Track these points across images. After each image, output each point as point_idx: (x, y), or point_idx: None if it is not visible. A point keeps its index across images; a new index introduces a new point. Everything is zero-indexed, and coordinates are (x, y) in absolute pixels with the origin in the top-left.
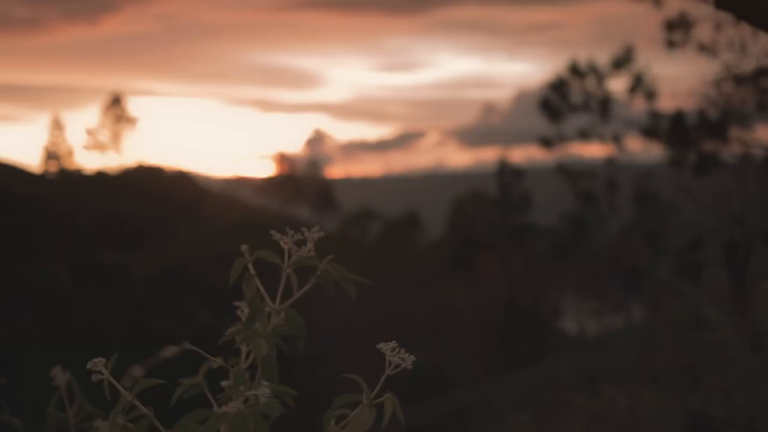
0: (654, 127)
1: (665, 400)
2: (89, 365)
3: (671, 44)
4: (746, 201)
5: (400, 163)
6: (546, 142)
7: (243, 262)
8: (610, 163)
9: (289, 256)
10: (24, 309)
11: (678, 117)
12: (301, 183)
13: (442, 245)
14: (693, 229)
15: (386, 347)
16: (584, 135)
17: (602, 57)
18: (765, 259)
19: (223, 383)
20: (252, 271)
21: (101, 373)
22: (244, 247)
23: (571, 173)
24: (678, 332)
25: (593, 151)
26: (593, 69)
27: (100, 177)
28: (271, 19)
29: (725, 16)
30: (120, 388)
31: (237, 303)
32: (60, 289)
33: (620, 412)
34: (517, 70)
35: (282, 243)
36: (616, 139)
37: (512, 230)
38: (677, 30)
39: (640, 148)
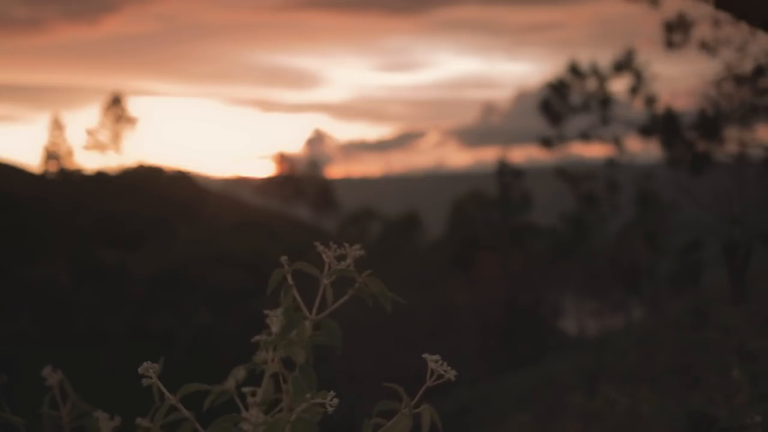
0: (651, 126)
1: (665, 400)
2: (140, 369)
3: (671, 45)
4: (746, 201)
5: (400, 163)
6: (546, 143)
7: (282, 273)
8: (610, 163)
9: (329, 269)
10: (24, 309)
11: (669, 116)
12: (301, 183)
13: (442, 245)
14: (693, 229)
15: (430, 358)
16: (584, 136)
17: (602, 57)
18: (765, 259)
19: (245, 389)
20: (291, 281)
21: (150, 377)
22: (283, 258)
23: (570, 176)
24: (678, 332)
25: (594, 151)
26: (594, 71)
27: (100, 177)
28: (271, 19)
29: (724, 16)
30: (165, 391)
31: (267, 311)
32: (60, 289)
33: (619, 412)
34: (517, 70)
35: (324, 256)
36: (617, 140)
37: (512, 230)
38: (677, 31)
39: (641, 149)
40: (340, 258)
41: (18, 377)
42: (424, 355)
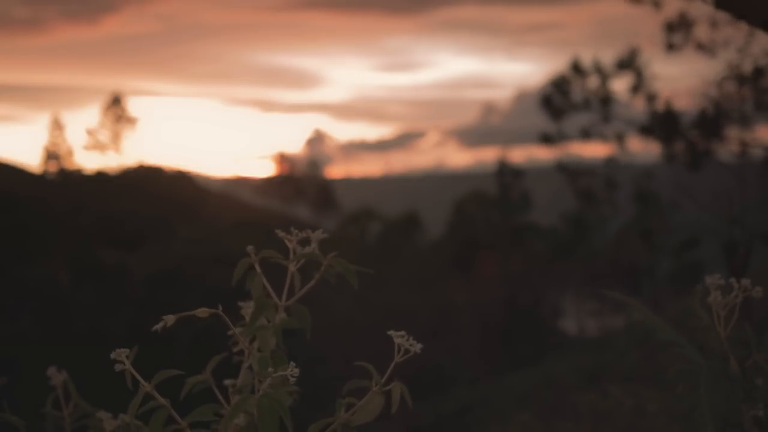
0: (651, 125)
1: (669, 399)
2: (113, 354)
3: (671, 47)
4: (746, 201)
5: (400, 163)
6: (547, 139)
7: (249, 262)
8: (610, 162)
9: (294, 255)
10: (24, 309)
11: (669, 113)
12: (301, 183)
13: (442, 245)
14: (692, 228)
15: (396, 334)
16: (585, 134)
17: (602, 57)
18: (765, 259)
19: (227, 381)
20: (258, 269)
21: (123, 363)
22: (250, 248)
23: (571, 171)
24: (678, 332)
25: (593, 150)
26: (597, 68)
27: (100, 177)
28: (271, 19)
29: (723, 16)
30: (140, 378)
31: (240, 303)
32: (60, 289)
33: (625, 411)
34: (517, 70)
35: (287, 241)
36: (617, 139)
37: (512, 230)
38: (677, 32)
39: (641, 148)
40: (304, 243)
41: (18, 377)
42: (390, 332)
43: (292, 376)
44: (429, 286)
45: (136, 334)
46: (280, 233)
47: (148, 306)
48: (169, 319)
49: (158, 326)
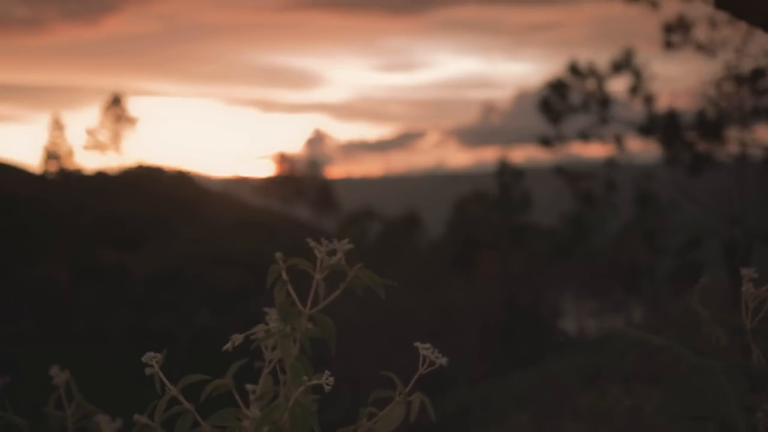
0: (651, 126)
1: (668, 400)
2: (144, 358)
3: (669, 45)
4: (746, 201)
5: (400, 163)
6: (546, 142)
7: (278, 268)
8: (609, 163)
9: (321, 264)
10: (24, 309)
11: (671, 116)
12: (301, 183)
13: (442, 245)
14: (692, 228)
15: (422, 346)
16: (584, 136)
17: (601, 57)
18: (765, 259)
19: (248, 386)
20: (285, 277)
21: (152, 367)
22: (278, 255)
23: (570, 175)
24: (678, 332)
25: (593, 151)
26: (593, 72)
27: (100, 177)
28: (271, 19)
29: (722, 16)
30: (167, 382)
31: (266, 309)
32: (60, 289)
33: (624, 411)
34: (517, 70)
35: (316, 251)
36: (617, 140)
37: (512, 230)
38: (676, 32)
39: (640, 149)
40: (332, 253)
41: (18, 377)
42: (416, 344)
43: (328, 385)
44: (429, 286)
45: (136, 334)
46: (311, 243)
47: (148, 306)
48: (237, 338)
49: (226, 346)
